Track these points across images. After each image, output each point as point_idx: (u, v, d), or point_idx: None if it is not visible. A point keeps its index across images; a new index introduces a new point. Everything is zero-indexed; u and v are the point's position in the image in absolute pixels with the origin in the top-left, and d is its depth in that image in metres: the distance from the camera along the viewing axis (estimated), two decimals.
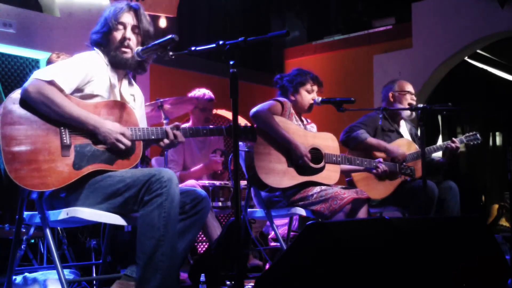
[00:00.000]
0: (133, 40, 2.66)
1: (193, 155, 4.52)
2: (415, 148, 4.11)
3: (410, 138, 4.25)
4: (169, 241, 2.37)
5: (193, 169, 4.40)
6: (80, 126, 2.43)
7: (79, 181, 2.43)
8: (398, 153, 3.92)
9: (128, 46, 2.65)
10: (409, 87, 4.22)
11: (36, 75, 2.44)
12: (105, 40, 2.67)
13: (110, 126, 2.47)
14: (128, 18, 2.67)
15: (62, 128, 2.43)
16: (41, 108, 2.39)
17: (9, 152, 2.32)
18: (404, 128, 4.30)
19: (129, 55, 2.66)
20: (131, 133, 2.52)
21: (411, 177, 3.87)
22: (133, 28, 2.68)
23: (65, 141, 2.42)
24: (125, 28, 2.66)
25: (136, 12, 2.70)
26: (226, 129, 2.74)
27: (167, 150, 4.18)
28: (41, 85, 2.40)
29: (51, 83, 2.41)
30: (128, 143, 2.50)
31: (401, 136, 4.20)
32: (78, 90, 2.54)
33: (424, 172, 3.34)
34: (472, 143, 4.23)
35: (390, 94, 4.21)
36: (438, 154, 4.25)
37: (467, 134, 4.25)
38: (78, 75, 2.52)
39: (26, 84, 2.41)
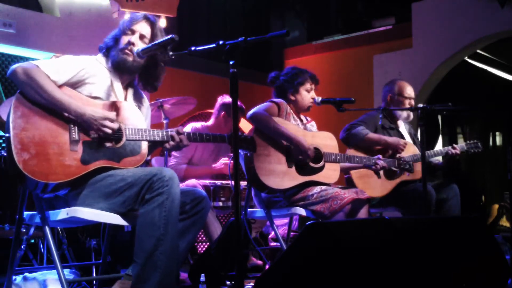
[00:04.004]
0: (138, 46, 2.67)
1: (203, 154, 4.50)
2: (413, 150, 4.10)
3: (409, 138, 4.25)
4: (169, 240, 2.37)
5: (202, 167, 4.37)
6: (62, 112, 2.43)
7: (80, 179, 2.44)
8: (400, 144, 3.91)
9: (130, 50, 2.65)
10: (409, 91, 4.18)
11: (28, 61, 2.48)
12: (112, 44, 2.70)
13: (92, 112, 2.46)
14: (140, 27, 2.69)
15: (71, 123, 2.45)
16: (26, 89, 2.41)
17: (19, 143, 2.34)
18: (402, 128, 4.31)
19: (130, 57, 2.66)
20: (114, 117, 2.51)
21: (410, 172, 3.87)
22: (142, 37, 2.69)
23: (74, 136, 2.44)
24: (133, 34, 2.68)
25: (152, 24, 2.72)
26: (228, 136, 2.76)
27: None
28: (30, 67, 2.43)
29: (40, 68, 2.43)
30: (115, 126, 2.50)
31: (401, 135, 4.20)
32: (74, 89, 2.54)
33: (424, 175, 3.33)
34: (472, 151, 4.23)
35: (389, 97, 4.20)
36: (437, 157, 4.25)
37: (469, 142, 4.25)
38: (70, 69, 2.53)
39: (14, 66, 2.44)
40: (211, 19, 7.29)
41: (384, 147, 3.97)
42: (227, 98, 4.52)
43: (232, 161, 4.25)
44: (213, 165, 4.35)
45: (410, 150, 4.08)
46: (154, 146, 2.72)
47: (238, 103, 4.46)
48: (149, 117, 2.92)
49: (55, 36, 5.34)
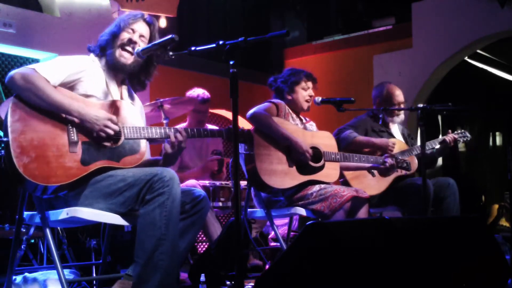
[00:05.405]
0: (138, 46, 2.66)
1: (191, 154, 4.51)
2: (401, 146, 4.10)
3: (402, 139, 4.25)
4: (170, 240, 2.37)
5: (190, 171, 4.39)
6: (63, 113, 2.43)
7: (81, 180, 2.44)
8: (388, 145, 3.91)
9: (131, 50, 2.64)
10: (398, 96, 4.17)
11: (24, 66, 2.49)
12: (110, 40, 2.66)
13: (95, 112, 2.46)
14: (140, 27, 2.68)
15: (69, 125, 2.45)
16: (25, 94, 2.40)
17: (18, 146, 2.34)
18: (395, 129, 4.31)
19: (128, 60, 2.65)
20: (116, 119, 2.51)
21: (407, 170, 3.87)
22: (141, 37, 2.68)
23: (72, 137, 2.44)
24: (134, 33, 2.66)
25: (150, 26, 2.72)
26: (226, 131, 2.74)
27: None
28: (28, 72, 2.42)
29: (37, 71, 2.43)
30: (116, 128, 2.49)
31: (393, 136, 4.20)
32: (70, 88, 2.54)
33: (424, 172, 3.33)
34: (462, 140, 4.22)
35: (377, 103, 4.20)
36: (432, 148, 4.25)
37: (457, 132, 4.25)
38: (65, 69, 2.52)
39: (12, 72, 2.43)
40: (211, 19, 7.29)
41: (373, 149, 3.98)
42: (193, 92, 4.58)
43: (223, 158, 4.29)
44: (200, 165, 4.36)
45: (402, 146, 4.08)
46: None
47: (206, 93, 4.55)
48: (144, 115, 2.91)
49: (55, 36, 5.34)
